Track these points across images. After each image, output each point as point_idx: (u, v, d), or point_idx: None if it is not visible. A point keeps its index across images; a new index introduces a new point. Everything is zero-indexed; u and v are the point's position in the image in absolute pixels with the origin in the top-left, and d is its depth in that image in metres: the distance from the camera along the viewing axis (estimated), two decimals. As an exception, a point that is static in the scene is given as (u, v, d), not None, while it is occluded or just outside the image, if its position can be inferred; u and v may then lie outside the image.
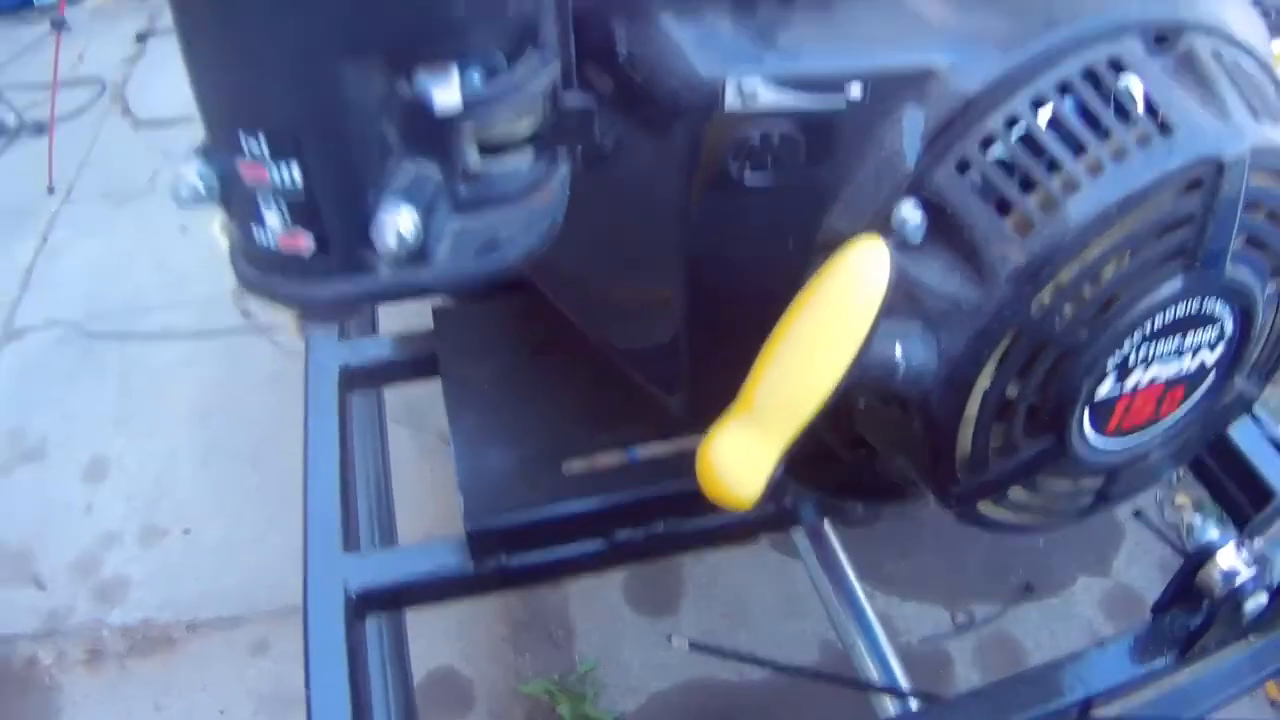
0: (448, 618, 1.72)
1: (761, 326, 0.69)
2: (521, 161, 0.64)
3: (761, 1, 0.70)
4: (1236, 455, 1.25)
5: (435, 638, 1.69)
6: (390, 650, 1.22)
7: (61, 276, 2.54)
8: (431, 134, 0.58)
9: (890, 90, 0.71)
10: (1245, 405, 0.94)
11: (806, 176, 0.73)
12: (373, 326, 1.65)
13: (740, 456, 0.67)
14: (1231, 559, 1.04)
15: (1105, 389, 0.78)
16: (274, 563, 1.77)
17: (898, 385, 0.72)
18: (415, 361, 1.44)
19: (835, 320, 0.64)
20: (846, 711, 1.33)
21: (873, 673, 1.23)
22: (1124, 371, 0.78)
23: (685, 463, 1.10)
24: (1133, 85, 0.73)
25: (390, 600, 1.13)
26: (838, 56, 0.70)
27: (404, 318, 1.69)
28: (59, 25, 2.93)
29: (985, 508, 0.86)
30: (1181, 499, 2.06)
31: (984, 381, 0.74)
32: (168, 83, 3.27)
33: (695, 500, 1.09)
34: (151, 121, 3.10)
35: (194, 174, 0.57)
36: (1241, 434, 1.26)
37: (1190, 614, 1.09)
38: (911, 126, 0.72)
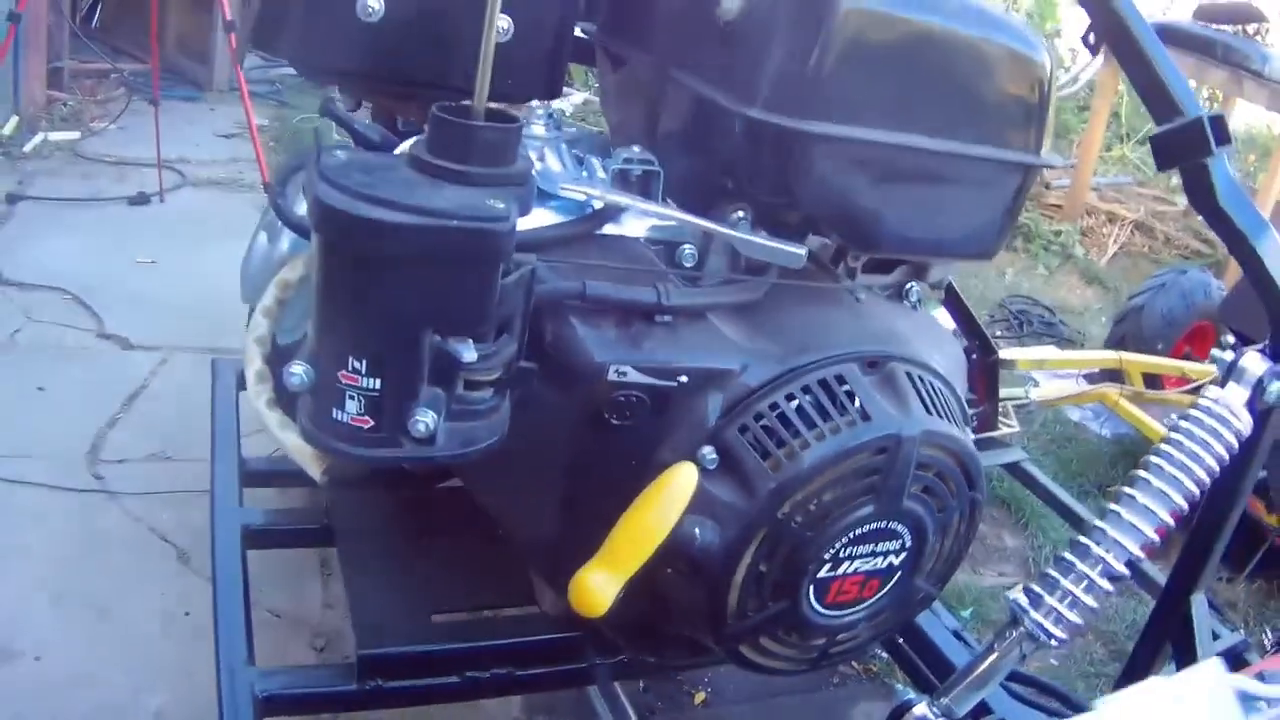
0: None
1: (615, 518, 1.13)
2: (488, 394, 1.06)
3: (634, 320, 1.17)
4: (924, 638, 1.71)
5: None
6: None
7: (-83, 413, 2.54)
8: (447, 375, 1.01)
9: (704, 379, 1.19)
10: (927, 600, 1.39)
11: (649, 424, 1.19)
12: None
13: (599, 580, 1.10)
14: (924, 711, 1.31)
15: (824, 572, 1.23)
16: (119, 696, 1.91)
17: (695, 552, 1.16)
18: (306, 531, 1.78)
19: (661, 505, 1.10)
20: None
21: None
22: (836, 562, 1.23)
23: (523, 626, 1.50)
24: (851, 391, 1.22)
25: (290, 708, 1.43)
26: (676, 357, 1.18)
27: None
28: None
29: (745, 650, 1.28)
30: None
31: (747, 559, 1.19)
32: (33, 248, 3.35)
33: (528, 655, 1.48)
34: (16, 283, 3.17)
35: (302, 371, 0.98)
36: (928, 625, 1.72)
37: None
38: (714, 402, 1.19)
